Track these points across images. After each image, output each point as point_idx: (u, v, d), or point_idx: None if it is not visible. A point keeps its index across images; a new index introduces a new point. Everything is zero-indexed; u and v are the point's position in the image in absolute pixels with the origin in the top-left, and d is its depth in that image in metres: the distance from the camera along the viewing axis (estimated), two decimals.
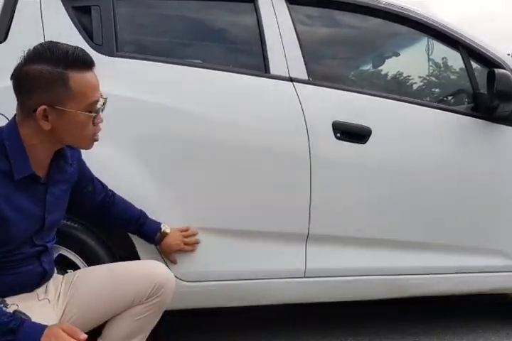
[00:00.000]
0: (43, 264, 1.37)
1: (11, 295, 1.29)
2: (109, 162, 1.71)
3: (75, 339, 1.15)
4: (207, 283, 1.84)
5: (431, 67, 2.41)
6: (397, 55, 2.35)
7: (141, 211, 1.69)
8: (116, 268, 1.52)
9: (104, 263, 1.68)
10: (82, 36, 1.77)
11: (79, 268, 1.70)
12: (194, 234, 1.78)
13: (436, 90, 2.47)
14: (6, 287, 1.28)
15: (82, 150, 1.50)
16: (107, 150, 1.69)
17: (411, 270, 2.04)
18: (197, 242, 1.78)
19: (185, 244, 1.76)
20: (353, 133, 1.94)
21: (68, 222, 1.69)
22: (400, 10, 2.13)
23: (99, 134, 1.36)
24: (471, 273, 2.10)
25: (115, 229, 1.71)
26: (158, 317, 1.52)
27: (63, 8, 1.78)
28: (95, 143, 1.36)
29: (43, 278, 1.38)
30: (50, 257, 1.42)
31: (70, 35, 1.74)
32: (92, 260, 1.70)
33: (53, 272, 1.45)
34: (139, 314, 1.45)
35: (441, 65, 2.42)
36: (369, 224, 1.98)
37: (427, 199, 2.04)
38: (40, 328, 1.17)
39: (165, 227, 1.72)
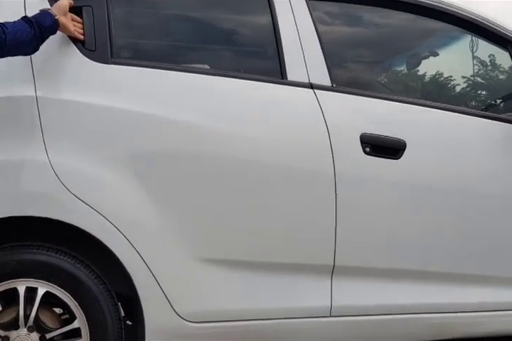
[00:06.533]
0: None
1: None
2: (103, 182, 1.71)
3: None
4: (215, 324, 1.81)
5: (475, 68, 2.39)
6: (436, 54, 2.31)
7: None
8: None
9: (99, 303, 1.67)
10: (73, 41, 1.75)
11: (68, 307, 1.68)
12: None
13: (483, 95, 2.45)
14: None
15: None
16: (100, 169, 1.69)
17: (458, 307, 1.99)
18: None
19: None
20: (384, 147, 1.90)
21: (57, 254, 1.68)
22: (436, 3, 2.09)
23: None
24: None
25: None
26: None
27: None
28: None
29: None
30: None
31: (58, 41, 1.73)
32: (84, 298, 1.68)
33: None
34: None
35: (488, 65, 2.37)
36: (406, 254, 1.93)
37: (475, 224, 2.00)
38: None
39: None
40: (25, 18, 1.62)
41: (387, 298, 1.92)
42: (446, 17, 2.10)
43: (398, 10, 2.12)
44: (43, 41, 1.64)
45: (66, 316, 1.72)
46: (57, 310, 1.73)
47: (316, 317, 1.87)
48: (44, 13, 1.64)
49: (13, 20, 1.62)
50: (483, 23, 2.10)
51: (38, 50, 1.65)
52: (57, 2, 1.68)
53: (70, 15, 1.71)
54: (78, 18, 1.74)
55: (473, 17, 2.10)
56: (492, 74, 2.42)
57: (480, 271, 2.00)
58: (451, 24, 2.14)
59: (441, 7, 2.08)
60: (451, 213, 1.97)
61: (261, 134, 1.83)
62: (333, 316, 1.88)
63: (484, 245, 2.00)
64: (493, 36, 2.12)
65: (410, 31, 2.25)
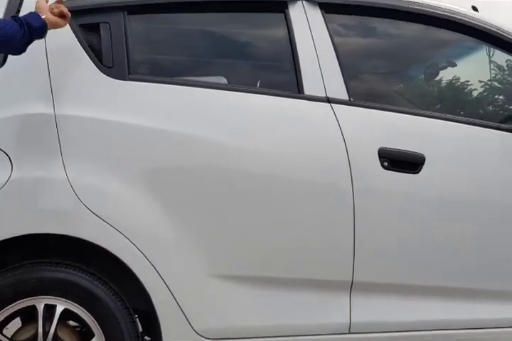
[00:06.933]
0: None
1: None
2: (120, 198, 1.71)
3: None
4: None
5: (494, 79, 2.31)
6: (454, 65, 2.25)
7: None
8: None
9: (117, 319, 1.67)
10: (90, 58, 1.76)
11: (86, 323, 1.68)
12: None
13: (504, 108, 2.36)
14: None
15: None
16: (117, 185, 1.69)
17: (480, 323, 1.93)
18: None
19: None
20: (403, 162, 1.87)
21: (75, 271, 1.68)
22: (450, 14, 2.04)
23: None
24: None
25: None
26: None
27: (68, 25, 1.74)
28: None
29: None
30: None
31: (75, 57, 1.75)
32: (102, 315, 1.68)
33: None
34: None
35: (506, 70, 2.29)
36: (426, 270, 1.89)
37: (496, 239, 1.95)
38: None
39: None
40: (14, 17, 1.60)
41: (407, 314, 1.87)
42: (460, 27, 2.05)
43: (413, 21, 2.06)
44: (31, 41, 1.61)
45: (83, 330, 1.72)
46: (72, 323, 1.74)
47: (335, 333, 1.83)
48: (31, 14, 1.61)
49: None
50: (496, 32, 2.02)
51: (25, 51, 1.61)
52: (36, 4, 1.64)
53: (52, 6, 1.63)
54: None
55: (486, 26, 2.02)
56: (510, 78, 2.35)
57: (504, 287, 1.95)
58: (466, 34, 2.07)
59: (455, 17, 2.03)
60: (472, 227, 1.93)
61: (278, 149, 1.81)
62: (352, 333, 1.84)
63: (500, 259, 1.94)
64: (507, 45, 2.05)
65: (427, 42, 2.20)
